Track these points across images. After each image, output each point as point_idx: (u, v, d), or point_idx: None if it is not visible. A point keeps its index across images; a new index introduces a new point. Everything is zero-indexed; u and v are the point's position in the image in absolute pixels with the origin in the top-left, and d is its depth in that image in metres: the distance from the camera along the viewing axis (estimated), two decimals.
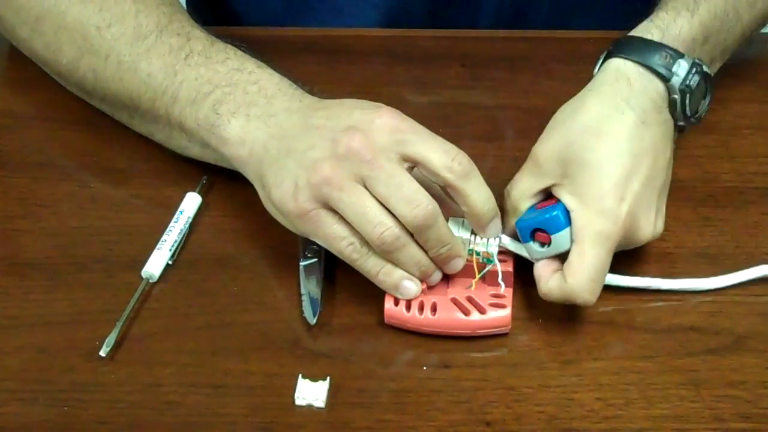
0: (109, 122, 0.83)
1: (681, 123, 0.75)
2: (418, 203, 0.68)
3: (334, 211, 0.69)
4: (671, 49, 0.73)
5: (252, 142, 0.73)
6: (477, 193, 0.70)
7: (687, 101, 0.73)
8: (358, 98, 0.74)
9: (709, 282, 0.74)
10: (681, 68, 0.73)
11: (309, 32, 0.94)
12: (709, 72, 0.75)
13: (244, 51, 0.78)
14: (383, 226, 0.68)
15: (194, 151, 0.78)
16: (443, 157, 0.69)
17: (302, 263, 0.73)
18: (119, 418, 0.67)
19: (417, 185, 0.69)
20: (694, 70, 0.73)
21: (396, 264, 0.70)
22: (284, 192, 0.70)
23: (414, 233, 0.69)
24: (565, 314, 0.72)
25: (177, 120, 0.76)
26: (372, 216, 0.69)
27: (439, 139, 0.70)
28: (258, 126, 0.73)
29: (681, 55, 0.73)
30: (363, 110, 0.71)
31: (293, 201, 0.70)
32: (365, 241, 0.69)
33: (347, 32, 0.94)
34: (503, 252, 0.73)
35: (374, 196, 0.69)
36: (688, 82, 0.73)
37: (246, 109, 0.74)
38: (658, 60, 0.73)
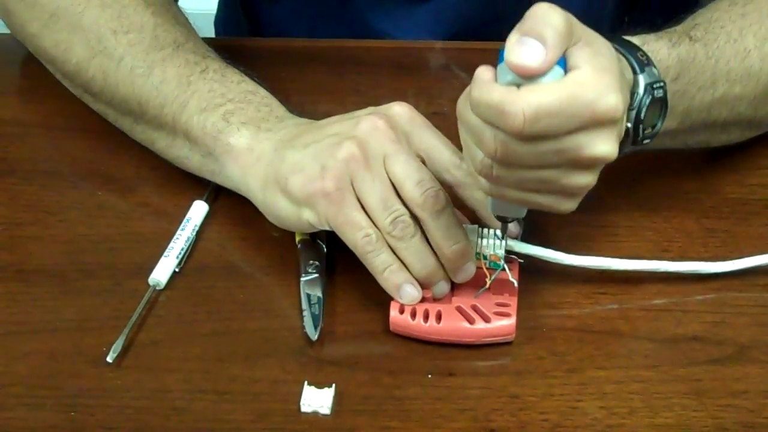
0: (117, 131, 0.83)
1: (628, 125, 0.69)
2: (430, 185, 0.70)
3: (356, 197, 0.70)
4: (646, 55, 0.71)
5: (260, 149, 0.74)
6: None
7: (645, 102, 0.69)
8: (364, 108, 0.76)
9: (715, 266, 0.75)
10: (650, 74, 0.70)
11: (317, 43, 0.95)
12: (667, 99, 0.71)
13: (257, 83, 0.79)
14: (399, 212, 0.70)
15: (194, 162, 0.78)
16: (451, 154, 0.71)
17: (303, 279, 0.74)
18: (126, 424, 0.67)
19: (431, 174, 0.70)
20: (659, 84, 0.70)
21: (404, 259, 0.70)
22: (307, 174, 0.71)
23: (424, 220, 0.70)
24: (569, 323, 0.73)
25: (183, 127, 0.77)
26: (390, 202, 0.70)
27: (444, 138, 0.73)
28: (267, 137, 0.74)
29: (653, 64, 0.70)
30: (378, 106, 0.74)
31: (320, 180, 0.70)
32: (380, 236, 0.70)
33: (355, 43, 0.95)
34: (508, 260, 0.73)
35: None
36: (653, 84, 0.70)
37: (257, 122, 0.75)
38: (635, 55, 0.70)
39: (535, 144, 0.61)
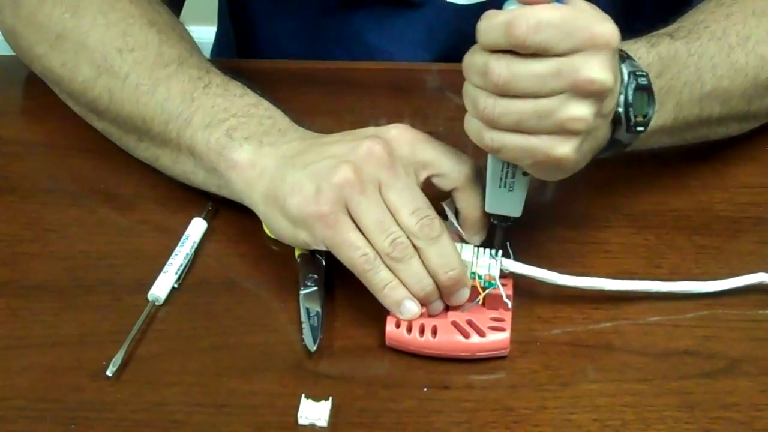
0: (117, 150, 0.84)
1: (619, 110, 0.70)
2: (425, 214, 0.71)
3: (351, 219, 0.71)
4: (625, 52, 0.73)
5: (263, 164, 0.75)
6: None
7: (631, 86, 0.70)
8: (362, 127, 0.77)
9: (706, 285, 0.76)
10: (631, 65, 0.71)
11: (313, 64, 0.96)
12: (652, 87, 0.72)
13: (259, 95, 0.80)
14: (397, 234, 0.71)
15: (198, 177, 0.79)
16: (454, 163, 0.73)
17: (302, 292, 0.75)
18: None
19: (428, 202, 0.72)
20: (641, 73, 0.71)
21: (402, 280, 0.71)
22: (304, 196, 0.72)
23: (420, 247, 0.71)
24: (562, 338, 0.74)
25: (187, 143, 0.78)
26: (387, 224, 0.71)
27: (444, 146, 0.74)
28: (270, 152, 0.75)
29: (633, 59, 0.72)
30: (378, 128, 0.75)
31: (314, 203, 0.71)
32: (377, 255, 0.71)
33: (350, 65, 0.96)
34: (503, 276, 0.74)
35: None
36: (636, 72, 0.71)
37: (260, 136, 0.76)
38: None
39: (536, 62, 0.64)
